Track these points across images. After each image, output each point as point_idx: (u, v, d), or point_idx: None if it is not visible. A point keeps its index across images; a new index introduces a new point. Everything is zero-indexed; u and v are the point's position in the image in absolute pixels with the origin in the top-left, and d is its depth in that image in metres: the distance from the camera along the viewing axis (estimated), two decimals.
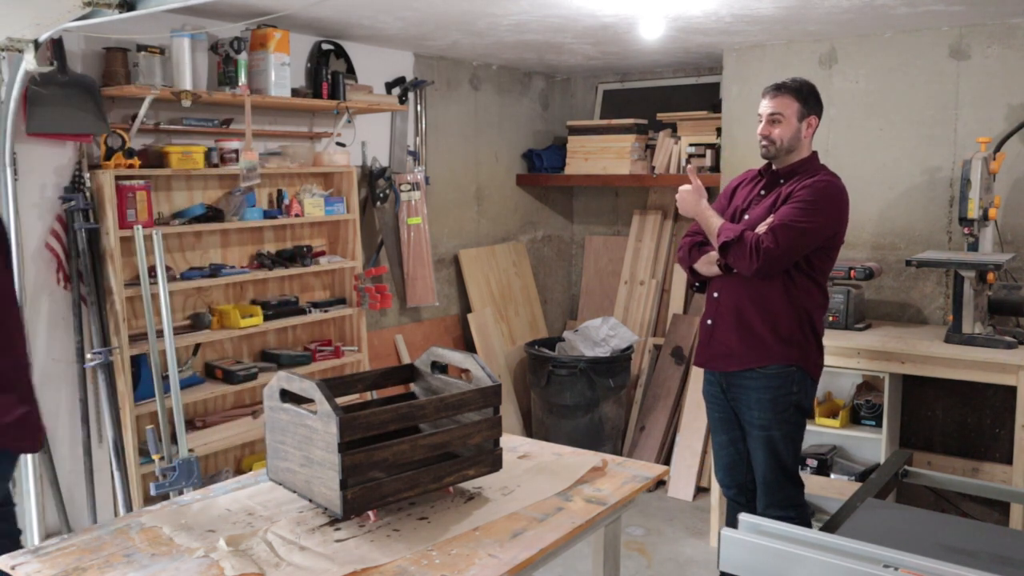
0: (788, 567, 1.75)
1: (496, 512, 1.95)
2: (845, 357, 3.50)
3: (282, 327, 3.72)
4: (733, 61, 4.33)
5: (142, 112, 3.09)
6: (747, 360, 2.80)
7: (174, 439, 3.06)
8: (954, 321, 3.42)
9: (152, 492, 2.92)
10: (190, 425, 3.37)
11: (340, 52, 3.98)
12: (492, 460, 2.04)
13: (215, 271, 3.41)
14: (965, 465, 3.78)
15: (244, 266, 3.59)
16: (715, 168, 4.58)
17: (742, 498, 3.01)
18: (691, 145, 4.70)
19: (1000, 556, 1.97)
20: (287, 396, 1.94)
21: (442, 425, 2.03)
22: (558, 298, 5.63)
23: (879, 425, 3.58)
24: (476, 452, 2.02)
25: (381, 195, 4.22)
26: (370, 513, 1.90)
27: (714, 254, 2.84)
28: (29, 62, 2.63)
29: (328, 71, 3.76)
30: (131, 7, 2.36)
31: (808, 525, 2.94)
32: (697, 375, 4.52)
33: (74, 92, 2.96)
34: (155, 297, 3.05)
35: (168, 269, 3.23)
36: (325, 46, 3.91)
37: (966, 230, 3.42)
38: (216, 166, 3.36)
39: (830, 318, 3.65)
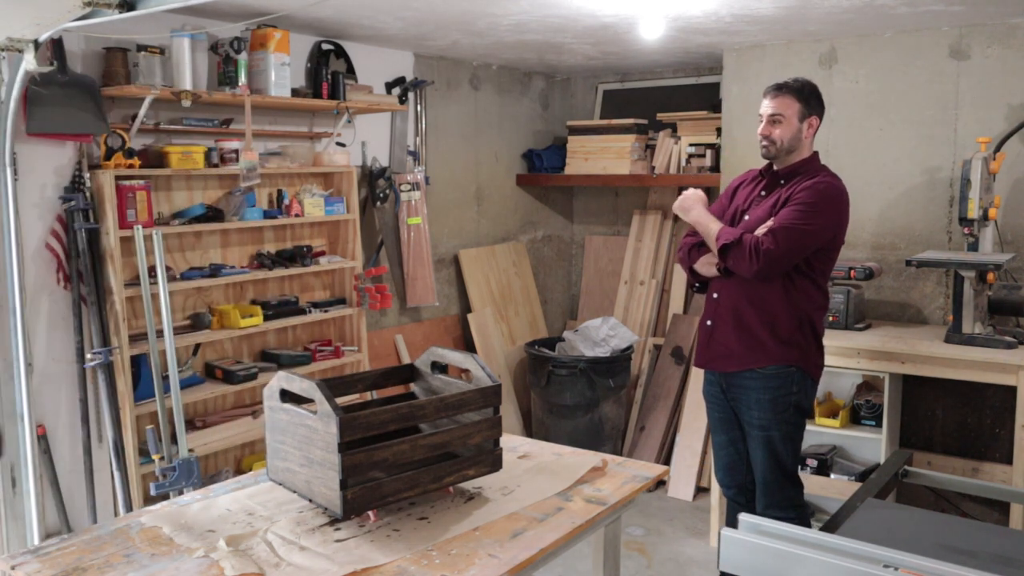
0: (788, 567, 1.75)
1: (496, 512, 1.95)
2: (845, 357, 3.50)
3: (282, 327, 3.72)
4: (733, 61, 4.33)
5: (142, 112, 3.09)
6: (746, 361, 2.80)
7: (174, 439, 3.06)
8: (954, 321, 3.42)
9: (152, 492, 2.92)
10: (190, 425, 3.37)
11: (340, 52, 3.98)
12: (492, 460, 2.04)
13: (215, 271, 3.41)
14: (965, 465, 3.78)
15: (244, 266, 3.59)
16: (715, 168, 4.58)
17: (742, 498, 3.01)
18: (691, 145, 4.71)
19: (1000, 556, 1.97)
20: (287, 396, 1.94)
21: (442, 425, 2.03)
22: (558, 298, 5.63)
23: (879, 425, 3.58)
24: (476, 452, 2.02)
25: (381, 195, 4.22)
26: (370, 513, 1.90)
27: (714, 255, 2.84)
28: (29, 62, 2.63)
29: (328, 71, 3.76)
30: (131, 7, 2.36)
31: (808, 525, 2.94)
32: (697, 375, 4.51)
33: (74, 92, 2.96)
34: (155, 297, 3.05)
35: (168, 269, 3.23)
36: (325, 46, 3.91)
37: (966, 230, 3.42)
38: (216, 166, 3.36)
39: (830, 318, 3.65)
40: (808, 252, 2.71)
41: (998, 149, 3.56)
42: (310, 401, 1.85)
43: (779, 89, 2.79)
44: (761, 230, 2.71)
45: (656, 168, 4.83)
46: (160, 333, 3.06)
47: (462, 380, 2.12)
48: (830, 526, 2.10)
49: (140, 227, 3.01)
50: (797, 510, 2.89)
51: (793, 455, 2.88)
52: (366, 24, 3.64)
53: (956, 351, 3.31)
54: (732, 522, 3.03)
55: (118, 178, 3.06)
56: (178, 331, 3.25)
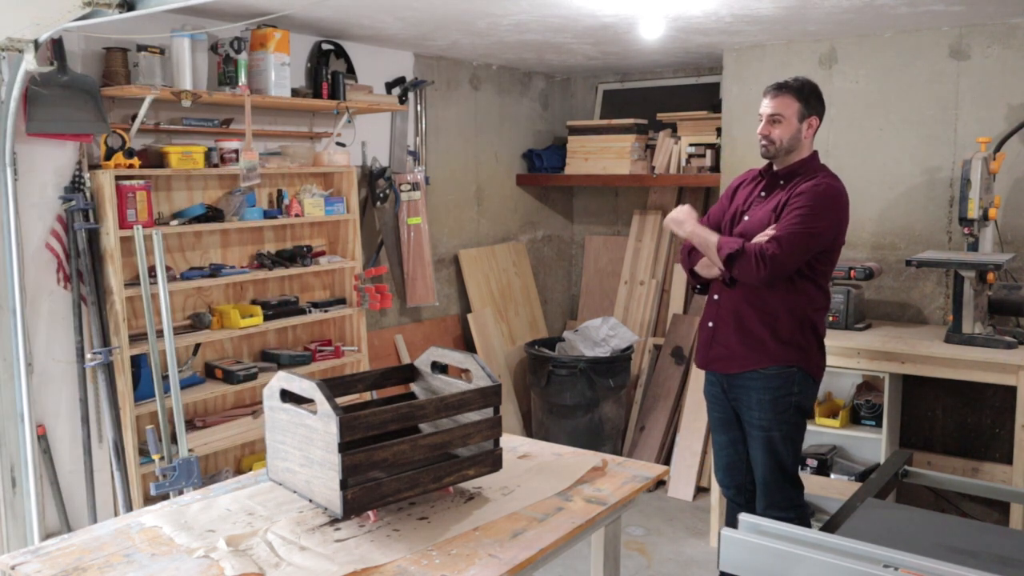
0: (788, 567, 1.75)
1: (496, 512, 1.95)
2: (845, 357, 3.50)
3: (282, 327, 3.72)
4: (733, 61, 4.33)
5: (142, 112, 3.09)
6: (748, 362, 2.80)
7: (174, 439, 3.06)
8: (954, 321, 3.42)
9: (152, 492, 2.93)
10: (190, 425, 3.37)
11: (340, 52, 3.98)
12: (492, 460, 2.04)
13: (215, 271, 3.41)
14: (965, 465, 3.78)
15: (244, 266, 3.59)
16: (715, 168, 4.58)
17: (741, 498, 3.01)
18: (691, 145, 4.71)
19: (1000, 556, 1.97)
20: (287, 396, 1.94)
21: (442, 425, 2.03)
22: (558, 298, 5.63)
23: (879, 425, 3.58)
24: (476, 452, 2.02)
25: (381, 195, 4.22)
26: (370, 513, 1.90)
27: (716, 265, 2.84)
28: (29, 62, 2.63)
29: (328, 71, 3.76)
30: (131, 7, 2.36)
31: (808, 526, 2.94)
32: (697, 375, 4.52)
33: (74, 92, 2.96)
34: (155, 297, 3.05)
35: (168, 269, 3.23)
36: (325, 46, 3.91)
37: (966, 230, 3.42)
38: (216, 166, 3.36)
39: (830, 318, 3.65)
40: (812, 254, 2.71)
41: (998, 149, 3.56)
42: (310, 401, 1.85)
43: (779, 89, 2.78)
44: (763, 237, 2.70)
45: (656, 168, 4.83)
46: (160, 333, 3.06)
47: (462, 380, 2.12)
48: (830, 526, 2.10)
49: (140, 227, 3.01)
50: (797, 510, 2.89)
51: (794, 455, 2.88)
52: (366, 24, 3.64)
53: (956, 351, 3.31)
54: (732, 522, 3.03)
55: (118, 178, 3.06)
56: (178, 331, 3.25)
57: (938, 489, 3.69)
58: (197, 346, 3.46)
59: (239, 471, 3.55)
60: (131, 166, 3.10)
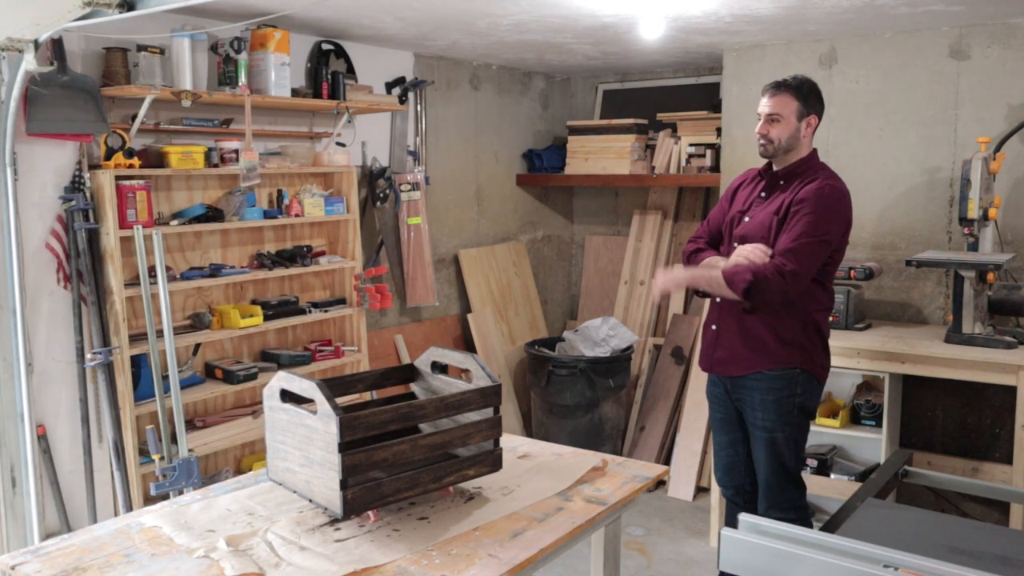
0: (788, 567, 1.75)
1: (496, 512, 1.95)
2: (845, 357, 3.50)
3: (282, 327, 3.72)
4: (733, 61, 4.33)
5: (142, 112, 3.09)
6: (752, 364, 2.78)
7: (174, 439, 3.07)
8: (954, 321, 3.42)
9: (152, 492, 2.93)
10: (190, 425, 3.37)
11: (340, 52, 3.98)
12: (492, 460, 2.04)
13: (215, 271, 3.41)
14: (965, 465, 3.78)
15: (244, 266, 3.59)
16: (715, 168, 4.58)
17: (740, 499, 3.00)
18: (691, 145, 4.71)
19: (1000, 556, 1.97)
20: (287, 396, 1.94)
21: (442, 425, 2.03)
22: (558, 298, 5.63)
23: (879, 425, 3.58)
24: (476, 452, 2.02)
25: (381, 195, 4.22)
26: (370, 513, 1.90)
27: (713, 258, 2.84)
28: (29, 62, 2.63)
29: (328, 71, 3.76)
30: (131, 7, 2.36)
31: (809, 527, 2.94)
32: (697, 375, 4.52)
33: (74, 92, 2.96)
34: (155, 297, 3.05)
35: (168, 269, 3.23)
36: (325, 46, 3.91)
37: (966, 230, 3.42)
38: (216, 166, 3.36)
39: (830, 318, 3.64)
40: (824, 259, 2.70)
41: (998, 149, 3.56)
42: (310, 401, 1.85)
43: (777, 87, 2.77)
44: (756, 250, 2.67)
45: (656, 168, 4.83)
46: (160, 333, 3.06)
47: (462, 380, 2.12)
48: (830, 526, 2.10)
49: (140, 227, 3.01)
50: (799, 512, 2.87)
51: (796, 457, 2.86)
52: (366, 24, 3.64)
53: (956, 351, 3.31)
54: (731, 522, 3.02)
55: (118, 178, 3.06)
56: (178, 331, 3.26)
57: (938, 489, 3.69)
58: (197, 346, 3.46)
59: (239, 471, 3.55)
60: (131, 166, 3.10)
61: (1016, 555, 1.98)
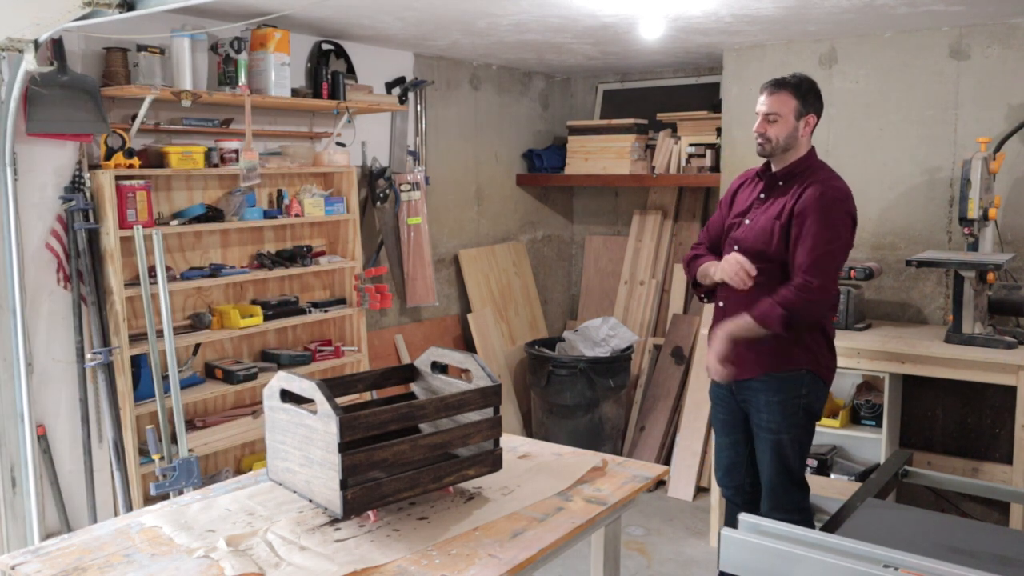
0: (788, 567, 1.75)
1: (496, 512, 1.95)
2: (845, 357, 3.49)
3: (282, 327, 3.72)
4: (733, 61, 4.33)
5: (142, 112, 3.09)
6: (757, 366, 2.76)
7: (174, 439, 3.07)
8: (954, 321, 3.42)
9: (152, 492, 2.93)
10: (190, 425, 3.37)
11: (340, 52, 3.98)
12: (492, 460, 2.04)
13: (215, 271, 3.41)
14: (965, 465, 3.78)
15: (244, 266, 3.59)
16: (715, 168, 4.58)
17: (739, 499, 2.99)
18: (691, 145, 4.71)
19: (1000, 556, 1.97)
20: (287, 396, 1.94)
21: (442, 425, 2.03)
22: (558, 298, 5.63)
23: (879, 425, 3.58)
24: (476, 452, 2.02)
25: (381, 195, 4.22)
26: (370, 513, 1.90)
27: (705, 265, 2.84)
28: (29, 62, 2.63)
29: (328, 71, 3.76)
30: (131, 7, 2.36)
31: (811, 528, 2.93)
32: (697, 375, 4.52)
33: (74, 92, 2.96)
34: (155, 297, 3.05)
35: (168, 269, 3.23)
36: (325, 46, 3.91)
37: (966, 230, 3.42)
38: (216, 166, 3.36)
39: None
40: (844, 261, 2.71)
41: (998, 149, 3.56)
42: (310, 401, 1.85)
43: (776, 86, 2.74)
44: (735, 269, 2.68)
45: (656, 168, 4.83)
46: (160, 333, 3.06)
47: (462, 380, 2.12)
48: (830, 526, 2.10)
49: (140, 227, 3.01)
50: (802, 513, 2.84)
51: (801, 458, 2.83)
52: (366, 24, 3.64)
53: (956, 351, 3.31)
54: (730, 522, 3.02)
55: (118, 178, 3.06)
56: (178, 331, 3.26)
57: (938, 489, 3.69)
58: (197, 346, 3.46)
59: (239, 471, 3.55)
60: (131, 166, 3.10)
61: (1016, 555, 1.98)
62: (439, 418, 1.99)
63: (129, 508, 3.11)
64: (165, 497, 2.80)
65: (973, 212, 3.35)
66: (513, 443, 2.41)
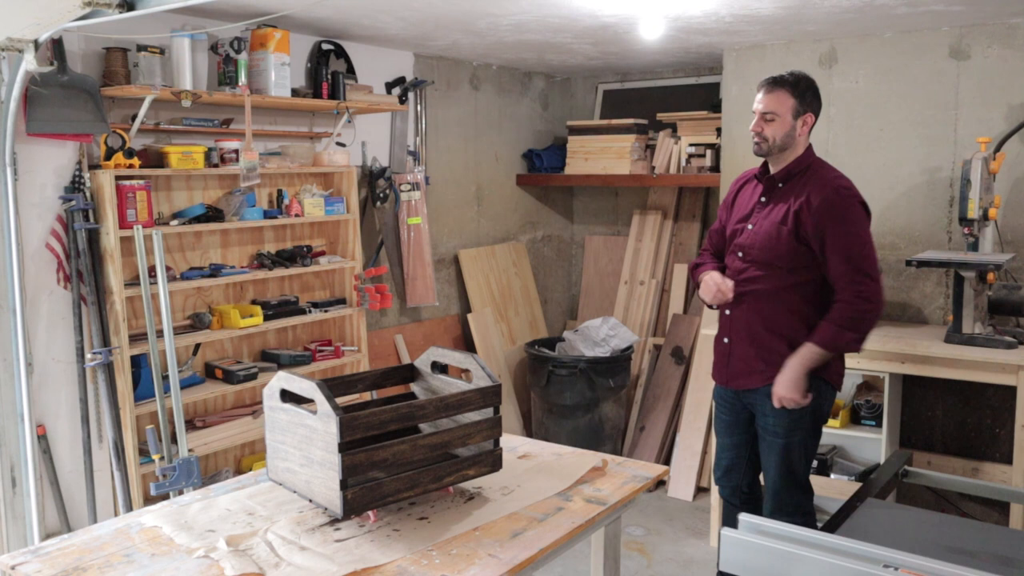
0: (788, 567, 1.75)
1: (496, 512, 1.95)
2: (845, 357, 3.49)
3: (282, 327, 3.72)
4: (733, 61, 4.33)
5: (142, 112, 3.09)
6: (768, 375, 2.71)
7: (174, 439, 3.07)
8: (954, 321, 3.42)
9: (152, 492, 2.93)
10: (190, 425, 3.37)
11: (340, 52, 3.98)
12: (492, 460, 2.04)
13: (215, 271, 3.41)
14: (965, 465, 3.78)
15: (244, 266, 3.59)
16: (715, 168, 4.58)
17: (736, 499, 2.97)
18: (691, 145, 4.71)
19: (1000, 556, 1.97)
20: (287, 396, 1.94)
21: (442, 425, 2.03)
22: (558, 298, 5.63)
23: (879, 425, 3.58)
24: (476, 452, 2.02)
25: (381, 195, 4.22)
26: (370, 513, 1.90)
27: (706, 274, 2.84)
28: (29, 62, 2.63)
29: (328, 71, 3.76)
30: (131, 7, 2.36)
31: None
32: (697, 375, 4.52)
33: (74, 92, 2.96)
34: (155, 297, 3.05)
35: (168, 269, 3.23)
36: (325, 46, 3.91)
37: (966, 230, 3.42)
38: (216, 166, 3.36)
39: None
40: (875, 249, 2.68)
41: (998, 149, 3.56)
42: (310, 401, 1.85)
43: (773, 84, 2.67)
44: (716, 286, 2.71)
45: (656, 168, 4.83)
46: (160, 333, 3.06)
47: (462, 380, 2.12)
48: (830, 526, 2.10)
49: (140, 227, 3.01)
50: (805, 517, 2.80)
51: (806, 462, 2.80)
52: (366, 24, 3.64)
53: (956, 351, 3.31)
54: (727, 523, 3.00)
55: (118, 178, 3.06)
56: (178, 331, 3.26)
57: (938, 489, 3.69)
58: (197, 346, 3.46)
59: (239, 471, 3.55)
60: (131, 166, 3.10)
61: (1016, 555, 1.98)
62: (439, 418, 1.99)
63: (129, 508, 3.11)
64: (165, 497, 2.80)
65: (973, 212, 3.35)
66: (513, 443, 2.41)
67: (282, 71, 3.48)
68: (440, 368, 2.19)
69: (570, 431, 4.52)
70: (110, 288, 3.09)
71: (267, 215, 3.55)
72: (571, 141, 5.14)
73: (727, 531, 1.86)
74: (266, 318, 3.53)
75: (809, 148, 2.76)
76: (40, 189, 3.02)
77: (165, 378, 3.07)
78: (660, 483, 4.45)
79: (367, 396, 3.24)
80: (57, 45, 2.91)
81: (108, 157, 3.07)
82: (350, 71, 4.03)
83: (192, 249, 3.46)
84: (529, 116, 5.32)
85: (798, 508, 2.80)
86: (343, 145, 4.02)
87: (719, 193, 4.39)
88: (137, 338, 3.17)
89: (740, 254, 2.78)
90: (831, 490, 3.65)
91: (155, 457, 3.01)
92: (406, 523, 1.89)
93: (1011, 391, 3.28)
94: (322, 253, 3.87)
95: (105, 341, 3.09)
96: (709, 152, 4.63)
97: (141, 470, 3.15)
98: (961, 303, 3.39)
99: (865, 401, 3.66)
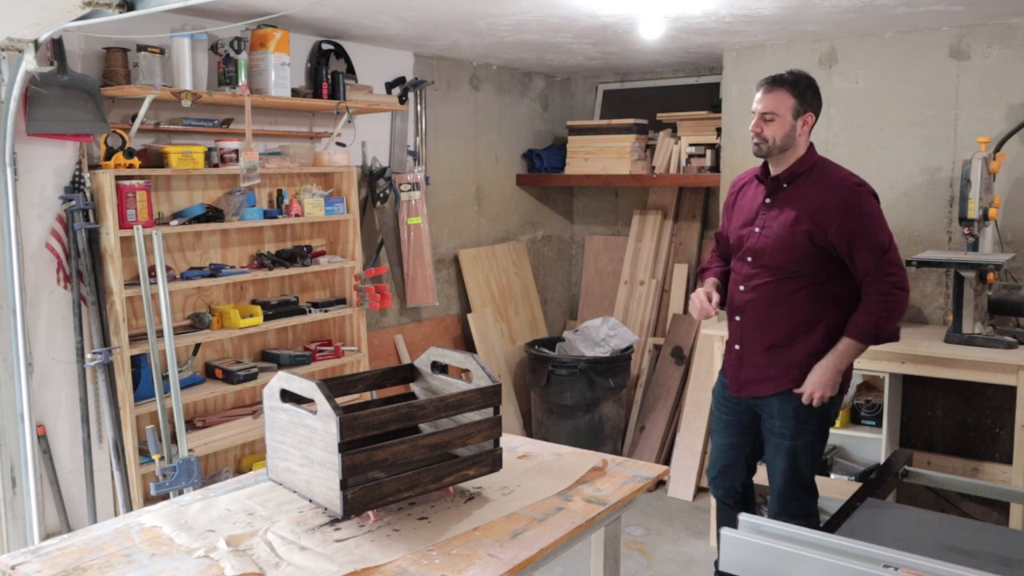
0: (788, 567, 1.75)
1: (496, 512, 1.95)
2: None
3: (282, 327, 3.72)
4: (733, 61, 4.33)
5: (142, 112, 3.09)
6: (781, 382, 2.69)
7: (174, 439, 3.07)
8: (954, 321, 3.42)
9: (152, 492, 2.93)
10: (190, 425, 3.37)
11: (340, 52, 3.98)
12: (492, 460, 2.04)
13: (215, 271, 3.41)
14: (965, 465, 3.78)
15: (244, 266, 3.59)
16: (715, 168, 4.58)
17: (730, 499, 2.95)
18: (691, 145, 4.71)
19: (1000, 556, 1.97)
20: (287, 396, 1.94)
21: (442, 425, 2.03)
22: (558, 298, 5.63)
23: (879, 425, 3.58)
24: (476, 452, 2.02)
25: (381, 195, 4.22)
26: (370, 513, 1.90)
27: (709, 280, 2.85)
28: (29, 62, 2.63)
29: (328, 71, 3.76)
30: (131, 7, 2.36)
31: None
32: (697, 375, 4.52)
33: (74, 92, 2.96)
34: (155, 297, 3.05)
35: (168, 269, 3.23)
36: (325, 46, 3.91)
37: (966, 230, 3.42)
38: (216, 166, 3.36)
39: None
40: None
41: (998, 149, 3.56)
42: (310, 401, 1.85)
43: (773, 83, 2.63)
44: (701, 302, 2.72)
45: (656, 168, 4.83)
46: (160, 333, 3.06)
47: (462, 380, 2.12)
48: (830, 526, 2.10)
49: (140, 227, 3.01)
50: (810, 519, 2.77)
51: (813, 465, 2.77)
52: (366, 24, 3.64)
53: (956, 351, 3.31)
54: (721, 523, 2.99)
55: (118, 178, 3.06)
56: (178, 331, 3.26)
57: (938, 489, 3.69)
58: (197, 346, 3.46)
59: (239, 471, 3.55)
60: (131, 166, 3.10)
61: (1016, 555, 1.98)
62: (439, 418, 1.99)
63: (129, 508, 3.11)
64: (165, 497, 2.80)
65: (973, 212, 3.35)
66: (513, 443, 2.41)
67: (282, 71, 3.48)
68: (440, 368, 2.19)
69: (570, 431, 4.52)
70: (110, 288, 3.09)
71: (267, 215, 3.55)
72: (571, 141, 5.14)
73: (727, 531, 1.86)
74: (266, 318, 3.53)
75: (811, 147, 2.73)
76: (40, 189, 3.02)
77: (165, 378, 3.07)
78: (660, 483, 4.45)
79: (367, 396, 3.24)
80: (57, 45, 2.91)
81: (108, 157, 3.07)
82: (350, 71, 4.03)
83: (192, 249, 3.46)
84: (529, 116, 5.32)
85: (804, 511, 2.78)
86: (343, 145, 4.02)
87: (719, 193, 4.39)
88: (137, 338, 3.17)
89: (749, 259, 2.73)
90: (831, 490, 3.65)
91: (155, 457, 3.01)
92: (406, 523, 1.89)
93: (1011, 391, 3.29)
94: (322, 253, 3.87)
95: (105, 341, 3.09)
96: (709, 152, 4.63)
97: (141, 470, 3.15)
98: (961, 303, 3.39)
99: (865, 401, 3.66)
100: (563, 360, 4.51)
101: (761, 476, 3.33)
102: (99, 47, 3.11)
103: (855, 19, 3.56)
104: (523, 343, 4.96)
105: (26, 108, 2.89)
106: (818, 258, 2.64)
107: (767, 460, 2.83)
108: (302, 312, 3.71)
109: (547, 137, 5.48)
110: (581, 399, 4.49)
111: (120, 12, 2.34)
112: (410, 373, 2.24)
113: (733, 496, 2.95)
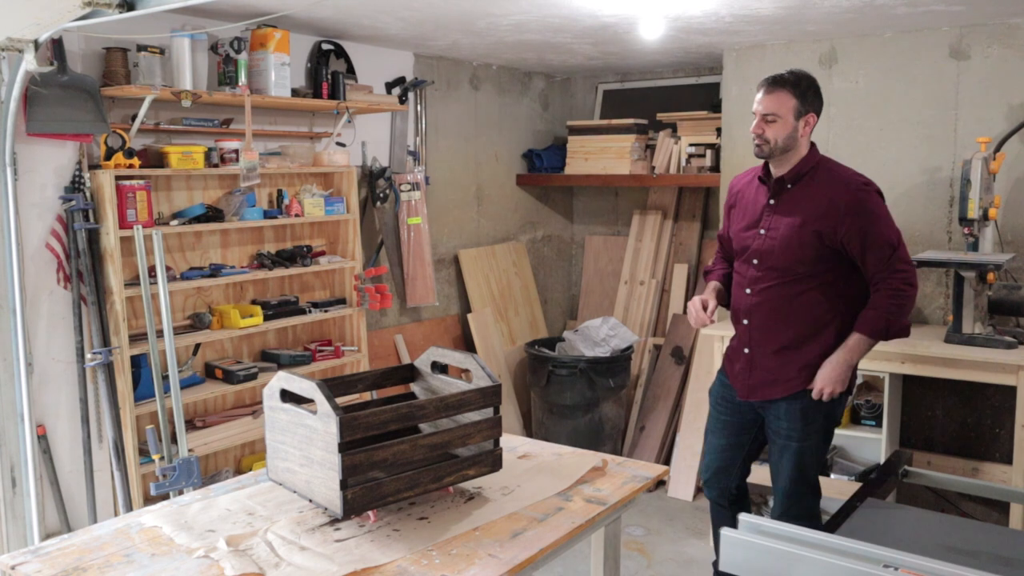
0: (788, 567, 1.75)
1: (496, 512, 1.95)
2: None
3: (282, 327, 3.72)
4: (733, 61, 4.33)
5: (142, 112, 3.09)
6: (791, 385, 2.68)
7: (174, 439, 3.07)
8: (954, 321, 3.42)
9: (152, 492, 2.93)
10: (190, 425, 3.37)
11: (340, 52, 3.98)
12: (492, 460, 2.04)
13: (215, 271, 3.41)
14: (965, 465, 3.78)
15: (244, 266, 3.59)
16: (715, 168, 4.58)
17: (724, 501, 2.94)
18: (691, 145, 4.71)
19: (1000, 556, 1.97)
20: (287, 396, 1.94)
21: (442, 425, 2.03)
22: (558, 298, 5.63)
23: (879, 425, 3.58)
24: (476, 452, 2.02)
25: (381, 195, 4.22)
26: (370, 513, 1.90)
27: (711, 284, 2.85)
28: (29, 62, 2.63)
29: (328, 71, 3.76)
30: (131, 7, 2.36)
31: None
32: (697, 375, 4.52)
33: (74, 92, 2.96)
34: (155, 297, 3.05)
35: (168, 269, 3.23)
36: (325, 46, 3.91)
37: (966, 230, 3.42)
38: (216, 166, 3.36)
39: None
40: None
41: (998, 149, 3.56)
42: (310, 401, 1.85)
43: (774, 83, 2.59)
44: (696, 310, 2.73)
45: (656, 168, 4.83)
46: (160, 333, 3.06)
47: (462, 380, 2.12)
48: (830, 526, 2.10)
49: (140, 227, 3.01)
50: (812, 520, 2.75)
51: (817, 466, 2.76)
52: (366, 24, 3.64)
53: (956, 351, 3.31)
54: (716, 525, 2.99)
55: (118, 178, 3.06)
56: (178, 331, 3.26)
57: (938, 489, 3.69)
58: (197, 346, 3.46)
59: (239, 471, 3.55)
60: (131, 166, 3.10)
61: (1016, 555, 1.98)
62: (439, 418, 1.99)
63: (129, 508, 3.11)
64: (165, 497, 2.80)
65: (973, 212, 3.35)
66: (513, 443, 2.41)
67: (282, 71, 3.48)
68: (440, 368, 2.19)
69: (570, 431, 4.52)
70: (110, 288, 3.09)
71: (267, 215, 3.55)
72: (571, 141, 5.14)
73: (727, 531, 1.86)
74: (266, 318, 3.53)
75: (813, 147, 2.71)
76: (40, 189, 3.02)
77: (165, 378, 3.07)
78: (660, 483, 4.45)
79: (367, 396, 3.24)
80: (57, 45, 2.91)
81: (108, 157, 3.07)
82: (350, 71, 4.03)
83: (192, 249, 3.46)
84: (529, 116, 5.32)
85: (808, 512, 2.76)
86: (343, 145, 4.02)
87: (719, 193, 4.39)
88: (137, 338, 3.17)
89: (755, 261, 2.71)
90: (831, 490, 3.64)
91: (155, 457, 3.01)
92: (406, 523, 1.89)
93: (1011, 391, 3.28)
94: (322, 253, 3.87)
95: (105, 341, 3.09)
96: (709, 152, 4.63)
97: (141, 470, 3.15)
98: (961, 303, 3.39)
99: (865, 401, 3.66)
100: (563, 360, 4.51)
101: (760, 476, 3.34)
102: (99, 47, 3.11)
103: (855, 19, 3.56)
104: (523, 343, 4.96)
105: (26, 108, 2.89)
106: (826, 258, 2.63)
107: (771, 461, 2.82)
108: (302, 312, 3.71)
109: (547, 137, 5.48)
110: (581, 399, 4.49)
111: (120, 12, 2.34)
112: (410, 373, 2.24)
113: (727, 497, 2.93)
